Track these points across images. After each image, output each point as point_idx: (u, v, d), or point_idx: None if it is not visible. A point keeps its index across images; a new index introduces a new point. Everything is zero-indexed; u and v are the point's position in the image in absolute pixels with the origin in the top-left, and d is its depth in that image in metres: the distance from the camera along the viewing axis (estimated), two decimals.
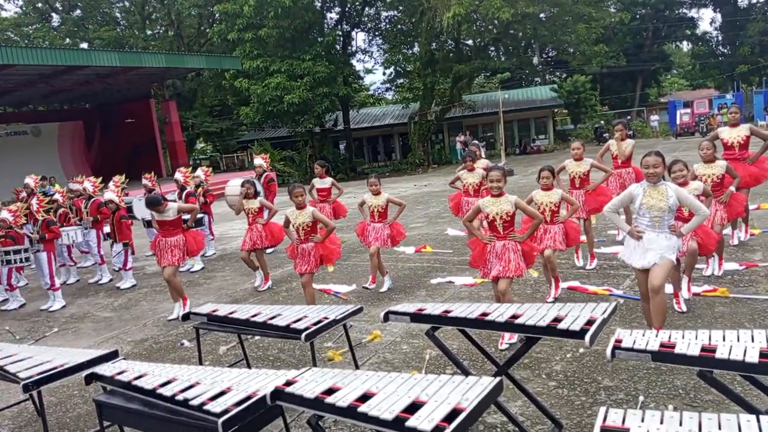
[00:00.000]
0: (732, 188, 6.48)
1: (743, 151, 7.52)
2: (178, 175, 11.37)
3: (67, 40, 39.45)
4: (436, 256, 9.37)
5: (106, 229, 10.37)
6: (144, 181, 12.01)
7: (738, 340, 3.01)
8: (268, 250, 10.38)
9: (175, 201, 9.82)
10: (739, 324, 5.10)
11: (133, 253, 10.06)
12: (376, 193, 7.69)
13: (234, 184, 13.20)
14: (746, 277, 6.48)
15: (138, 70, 25.75)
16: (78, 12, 42.09)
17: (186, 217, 7.81)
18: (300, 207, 6.42)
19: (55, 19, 42.77)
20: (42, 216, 9.25)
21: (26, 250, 8.79)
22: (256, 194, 8.63)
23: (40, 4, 41.54)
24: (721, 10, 45.75)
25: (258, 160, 11.69)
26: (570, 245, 6.62)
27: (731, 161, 7.34)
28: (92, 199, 10.69)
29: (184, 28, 40.97)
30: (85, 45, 38.96)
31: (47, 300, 9.07)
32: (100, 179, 11.63)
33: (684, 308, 5.56)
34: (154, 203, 7.44)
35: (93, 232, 10.66)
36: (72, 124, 33.05)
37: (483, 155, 9.44)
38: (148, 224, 11.70)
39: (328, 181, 10.18)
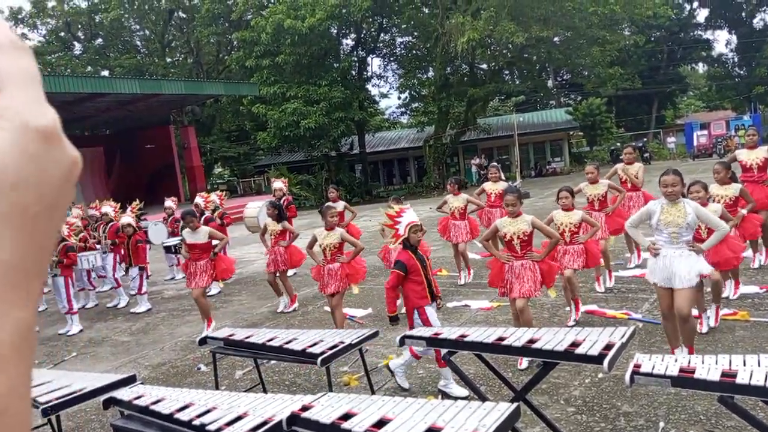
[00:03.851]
0: (743, 212, 6.42)
1: (762, 173, 7.47)
2: (198, 200, 11.52)
3: (89, 68, 40.30)
4: (451, 279, 9.33)
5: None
6: (167, 203, 12.19)
7: (759, 365, 2.96)
8: (289, 273, 10.45)
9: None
10: (759, 348, 5.02)
11: (148, 276, 10.14)
12: None
13: (253, 206, 13.32)
14: (767, 300, 6.37)
15: (158, 96, 26.18)
16: (99, 41, 43.05)
17: (215, 242, 7.92)
18: (329, 228, 6.48)
19: (77, 47, 43.76)
20: (74, 239, 9.43)
21: None
22: (280, 217, 8.70)
23: (62, 34, 42.56)
24: (736, 31, 45.67)
25: (278, 184, 11.80)
26: (590, 266, 6.58)
27: (749, 183, 7.30)
28: (111, 223, 10.83)
29: (202, 56, 41.69)
30: (106, 73, 39.77)
31: (66, 324, 9.15)
32: (118, 204, 11.83)
33: (705, 329, 5.52)
34: (191, 213, 7.76)
35: (110, 256, 10.77)
36: (92, 150, 33.58)
37: (502, 177, 9.53)
38: (167, 249, 11.83)
39: (341, 205, 10.28)
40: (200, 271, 7.56)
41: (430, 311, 4.86)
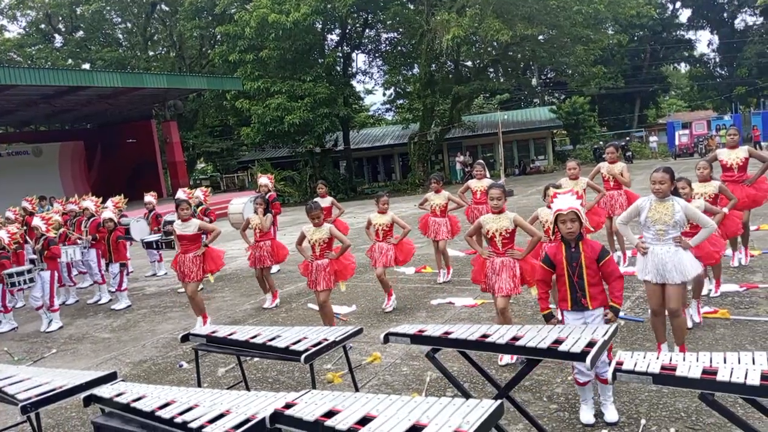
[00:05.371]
0: (725, 210, 6.49)
1: (742, 173, 7.54)
2: (180, 194, 11.41)
3: (70, 60, 39.76)
4: (436, 276, 9.35)
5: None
6: (147, 198, 12.05)
7: (739, 363, 3.00)
8: (273, 269, 10.40)
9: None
10: (740, 346, 5.08)
11: (128, 273, 10.01)
12: (382, 212, 7.72)
13: (237, 202, 13.22)
14: (747, 298, 6.46)
15: (139, 90, 25.90)
16: (80, 33, 42.49)
17: (204, 235, 7.86)
18: (317, 225, 6.44)
19: (58, 40, 43.15)
20: (53, 233, 9.30)
21: (29, 271, 8.76)
22: (266, 212, 8.71)
23: (43, 26, 41.92)
24: (718, 32, 46.26)
25: (263, 180, 11.73)
26: None
27: (730, 183, 7.36)
28: (92, 218, 10.70)
29: (185, 50, 41.29)
30: (87, 66, 39.27)
31: (43, 321, 8.99)
32: (100, 199, 11.68)
33: (690, 324, 5.58)
34: (185, 201, 7.80)
35: (93, 251, 10.64)
36: (73, 144, 33.21)
37: (487, 174, 9.55)
38: (148, 245, 11.72)
39: (328, 201, 10.26)
40: (190, 264, 7.50)
41: (569, 317, 4.18)
